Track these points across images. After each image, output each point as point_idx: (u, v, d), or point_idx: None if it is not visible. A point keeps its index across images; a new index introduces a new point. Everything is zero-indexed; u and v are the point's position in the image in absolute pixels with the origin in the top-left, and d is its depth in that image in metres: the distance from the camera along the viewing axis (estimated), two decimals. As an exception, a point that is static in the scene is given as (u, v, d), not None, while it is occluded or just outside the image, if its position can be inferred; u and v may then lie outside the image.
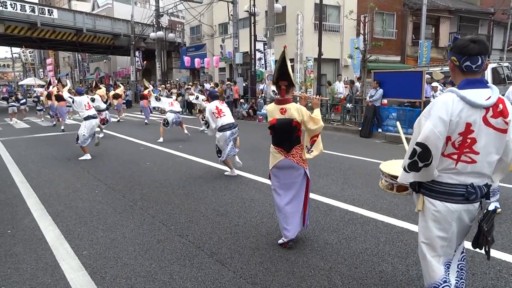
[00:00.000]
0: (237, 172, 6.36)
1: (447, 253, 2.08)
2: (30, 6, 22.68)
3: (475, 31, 24.56)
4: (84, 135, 7.80)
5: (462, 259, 2.19)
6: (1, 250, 3.62)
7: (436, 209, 2.01)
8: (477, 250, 2.07)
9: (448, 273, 2.09)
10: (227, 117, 6.11)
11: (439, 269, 2.06)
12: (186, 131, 10.53)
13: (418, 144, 1.94)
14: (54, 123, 14.34)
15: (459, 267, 2.16)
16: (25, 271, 3.19)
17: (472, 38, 1.94)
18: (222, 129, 6.07)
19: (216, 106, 6.12)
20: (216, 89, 18.51)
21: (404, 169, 2.05)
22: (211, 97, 6.56)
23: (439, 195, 2.01)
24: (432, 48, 20.60)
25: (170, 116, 10.20)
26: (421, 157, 1.93)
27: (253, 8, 17.57)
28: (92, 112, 8.08)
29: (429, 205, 2.05)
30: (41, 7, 24.25)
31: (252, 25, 17.85)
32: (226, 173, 6.38)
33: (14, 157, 8.27)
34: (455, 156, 1.95)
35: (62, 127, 12.95)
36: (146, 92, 15.28)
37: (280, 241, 3.61)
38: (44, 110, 16.86)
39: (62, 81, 14.41)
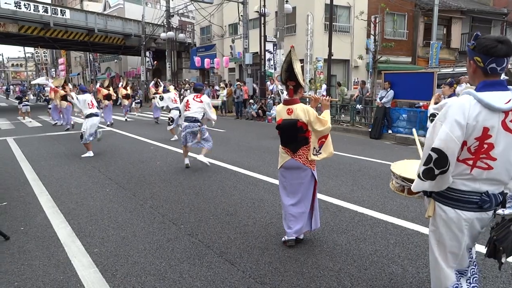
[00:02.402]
0: (207, 160, 6.93)
1: (461, 261, 2.01)
2: (43, 7, 23.03)
3: (487, 32, 24.07)
4: (87, 132, 8.08)
5: (473, 263, 2.12)
6: (14, 247, 3.68)
7: (448, 217, 1.94)
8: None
9: (460, 279, 2.03)
10: (191, 112, 6.86)
11: (451, 275, 2.00)
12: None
13: (433, 149, 1.82)
14: (62, 122, 14.45)
15: (471, 272, 2.09)
16: (38, 268, 3.25)
17: (499, 38, 1.81)
18: (184, 120, 7.00)
19: (187, 100, 6.94)
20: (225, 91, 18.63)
21: (419, 177, 1.95)
22: (194, 90, 7.39)
23: (451, 201, 1.93)
24: (443, 49, 20.37)
25: (175, 114, 10.17)
26: (437, 163, 1.82)
27: (263, 9, 17.59)
28: (94, 110, 8.32)
29: (440, 212, 1.97)
30: (54, 7, 24.58)
31: (262, 25, 17.87)
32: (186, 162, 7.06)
33: (27, 155, 8.41)
34: (471, 162, 1.84)
35: (68, 126, 13.10)
36: (160, 90, 15.26)
37: (283, 238, 3.64)
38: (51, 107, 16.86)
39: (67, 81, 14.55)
